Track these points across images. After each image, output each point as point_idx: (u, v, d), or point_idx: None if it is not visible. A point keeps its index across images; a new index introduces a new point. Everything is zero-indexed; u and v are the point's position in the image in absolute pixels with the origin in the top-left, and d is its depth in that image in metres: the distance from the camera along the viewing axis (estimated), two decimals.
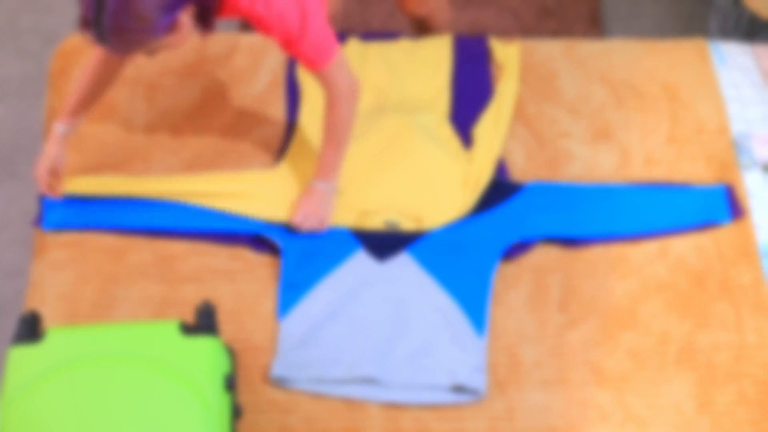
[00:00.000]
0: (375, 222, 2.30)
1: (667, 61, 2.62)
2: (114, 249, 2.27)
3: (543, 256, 2.29)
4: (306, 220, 2.24)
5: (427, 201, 2.32)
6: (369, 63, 2.57)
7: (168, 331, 1.85)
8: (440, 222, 2.30)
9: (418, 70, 2.57)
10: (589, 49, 2.65)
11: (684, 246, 2.32)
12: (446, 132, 2.44)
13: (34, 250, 2.30)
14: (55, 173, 2.27)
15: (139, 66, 2.56)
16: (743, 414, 2.09)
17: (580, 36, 3.36)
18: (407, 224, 2.30)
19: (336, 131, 2.18)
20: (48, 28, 3.37)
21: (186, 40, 1.92)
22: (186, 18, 1.87)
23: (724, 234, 2.34)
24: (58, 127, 2.25)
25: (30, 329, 1.84)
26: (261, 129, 2.47)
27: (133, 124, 2.46)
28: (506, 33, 3.37)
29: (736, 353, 2.17)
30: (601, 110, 2.53)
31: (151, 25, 1.80)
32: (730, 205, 2.36)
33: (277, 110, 2.50)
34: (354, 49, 2.59)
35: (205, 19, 1.93)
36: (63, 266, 2.24)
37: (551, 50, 2.64)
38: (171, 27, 1.84)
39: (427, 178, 2.34)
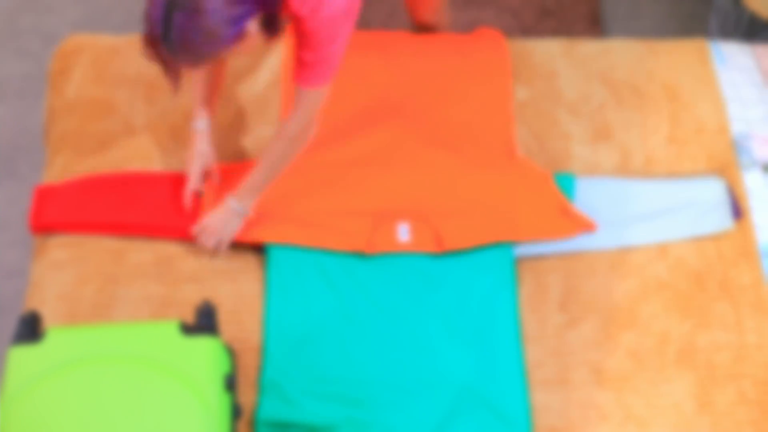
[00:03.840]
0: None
1: (667, 61, 2.62)
2: (114, 249, 2.27)
3: (543, 256, 2.29)
4: (202, 234, 2.20)
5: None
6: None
7: (168, 331, 1.85)
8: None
9: None
10: (589, 49, 2.65)
11: (684, 246, 2.32)
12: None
13: (34, 250, 2.30)
14: (206, 172, 2.28)
15: (139, 66, 2.56)
16: (743, 414, 2.09)
17: (580, 36, 3.36)
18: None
19: (275, 153, 2.12)
20: (48, 28, 3.37)
21: (253, 46, 1.90)
22: (253, 25, 1.84)
23: (724, 234, 2.34)
24: (199, 124, 2.25)
25: (30, 329, 1.84)
26: (261, 129, 2.46)
27: (133, 124, 2.46)
28: (506, 33, 3.37)
29: (736, 353, 2.17)
30: (601, 110, 2.53)
31: (219, 38, 1.78)
32: (730, 205, 2.37)
33: (277, 110, 2.50)
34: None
35: (271, 25, 1.91)
36: (63, 266, 2.24)
37: (551, 50, 2.64)
38: (238, 37, 1.81)
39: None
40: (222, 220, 2.19)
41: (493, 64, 2.52)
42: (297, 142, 2.11)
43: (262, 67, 2.58)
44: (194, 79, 2.23)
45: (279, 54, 2.61)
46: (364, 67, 2.52)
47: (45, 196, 2.31)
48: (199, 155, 2.26)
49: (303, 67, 2.03)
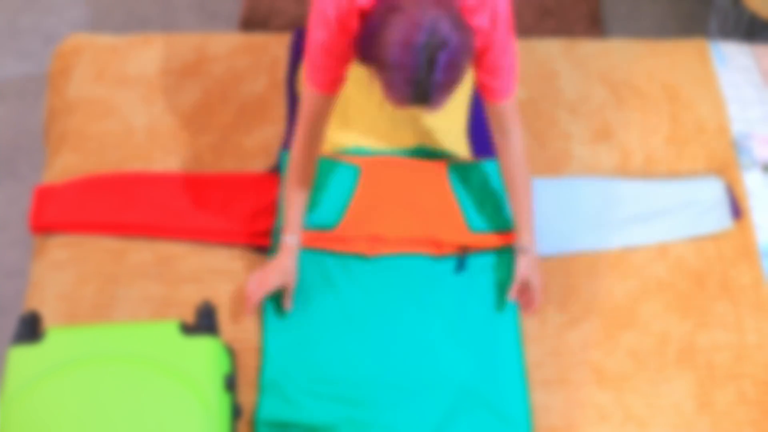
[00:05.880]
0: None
1: (667, 61, 2.62)
2: (114, 249, 2.27)
3: (543, 256, 2.29)
4: (535, 291, 2.19)
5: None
6: None
7: (168, 331, 1.85)
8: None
9: None
10: (589, 49, 2.65)
11: (684, 246, 2.32)
12: (462, 146, 2.43)
13: (34, 250, 2.30)
14: (287, 291, 2.15)
15: (139, 66, 2.56)
16: (743, 414, 2.09)
17: (580, 36, 3.36)
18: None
19: (525, 182, 2.18)
20: (48, 28, 3.37)
21: None
22: None
23: (724, 234, 2.34)
24: (291, 239, 2.13)
25: (30, 329, 1.84)
26: (261, 129, 2.46)
27: (133, 124, 2.46)
28: None
29: (736, 353, 2.17)
30: (601, 110, 2.53)
31: (467, 69, 1.79)
32: (730, 205, 2.37)
33: (277, 110, 2.50)
34: None
35: None
36: (63, 266, 2.24)
37: (551, 50, 2.64)
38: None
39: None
40: (534, 267, 2.19)
41: None
42: (524, 153, 2.16)
43: (262, 67, 2.58)
44: (289, 183, 2.13)
45: (279, 54, 2.61)
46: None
47: (45, 196, 2.31)
48: (283, 272, 2.13)
49: (492, 83, 2.03)
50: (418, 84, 1.74)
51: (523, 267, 2.18)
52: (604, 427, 2.07)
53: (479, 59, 2.00)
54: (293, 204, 2.13)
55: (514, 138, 2.13)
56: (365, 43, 1.80)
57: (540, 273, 2.21)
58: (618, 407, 2.10)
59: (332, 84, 2.00)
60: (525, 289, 2.20)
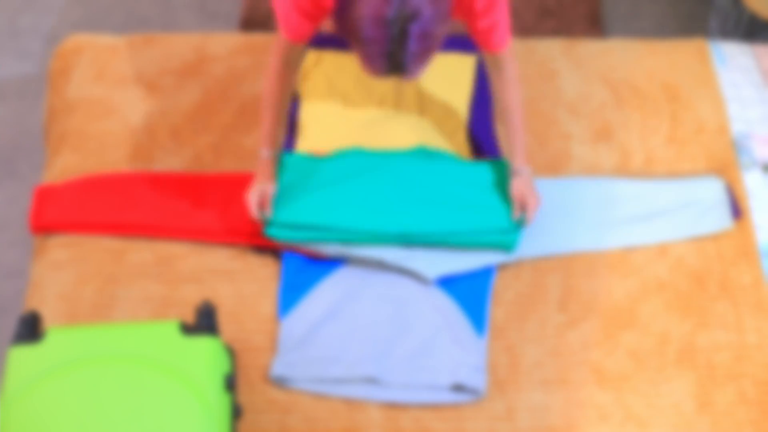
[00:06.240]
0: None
1: (667, 61, 2.62)
2: (114, 249, 2.27)
3: (543, 256, 2.29)
4: (531, 206, 2.24)
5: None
6: None
7: (168, 331, 1.85)
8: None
9: (440, 82, 2.55)
10: (589, 48, 2.65)
11: (684, 246, 2.32)
12: (460, 140, 2.44)
13: (34, 250, 2.30)
14: (266, 198, 2.23)
15: (139, 66, 2.56)
16: (743, 414, 2.09)
17: (580, 36, 3.36)
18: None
19: (516, 102, 2.24)
20: (48, 28, 3.37)
21: None
22: None
23: (724, 234, 2.34)
24: (265, 153, 2.22)
25: (30, 329, 1.84)
26: (261, 129, 2.46)
27: (133, 124, 2.46)
28: None
29: (736, 353, 2.17)
30: (601, 110, 2.53)
31: (442, 38, 1.82)
32: (730, 205, 2.37)
33: None
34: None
35: None
36: (63, 266, 2.24)
37: (551, 50, 2.64)
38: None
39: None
40: (528, 185, 2.24)
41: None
42: (518, 82, 2.21)
43: (262, 67, 2.58)
44: (263, 106, 2.21)
45: None
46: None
47: (45, 197, 2.31)
48: (260, 186, 2.22)
49: (488, 35, 2.07)
50: (392, 56, 1.77)
51: (515, 188, 2.25)
52: (604, 427, 2.07)
53: (472, 18, 2.03)
54: (267, 120, 2.20)
55: (508, 71, 2.18)
56: (339, 17, 1.83)
57: (535, 191, 2.25)
58: (618, 407, 2.10)
59: (302, 36, 2.07)
60: (521, 209, 2.27)
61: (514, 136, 2.25)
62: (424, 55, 1.79)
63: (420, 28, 1.74)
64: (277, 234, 2.22)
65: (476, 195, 2.30)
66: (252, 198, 2.21)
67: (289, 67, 2.16)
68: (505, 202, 2.29)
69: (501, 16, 2.07)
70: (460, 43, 2.61)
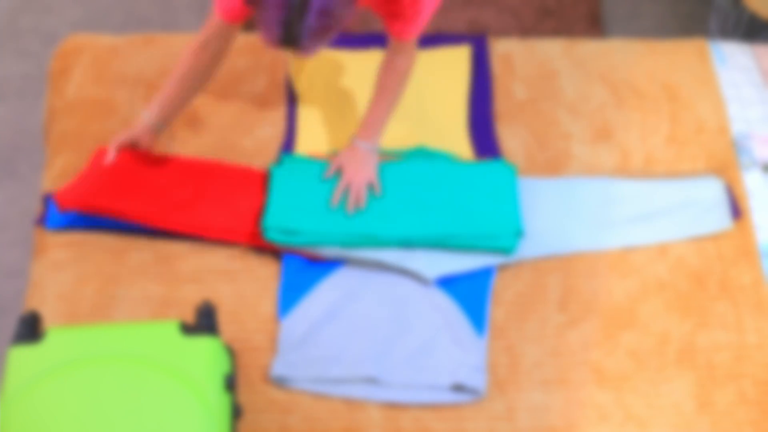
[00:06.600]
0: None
1: (667, 61, 2.62)
2: (114, 249, 2.27)
3: (543, 256, 2.29)
4: (353, 186, 2.25)
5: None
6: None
7: (168, 331, 1.85)
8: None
9: (436, 79, 2.56)
10: (589, 49, 2.65)
11: (684, 246, 2.32)
12: (461, 140, 2.44)
13: (34, 250, 2.30)
14: (134, 145, 2.29)
15: (139, 66, 2.56)
16: (743, 414, 2.09)
17: (580, 36, 3.36)
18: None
19: (390, 87, 2.22)
20: (48, 28, 3.37)
21: None
22: None
23: (724, 234, 2.34)
24: (146, 116, 2.26)
25: (30, 329, 1.84)
26: (261, 129, 2.47)
27: (133, 124, 2.46)
28: (506, 33, 3.37)
29: (736, 353, 2.17)
30: (601, 110, 2.53)
31: (344, 21, 1.83)
32: (730, 205, 2.37)
33: (277, 110, 2.50)
34: (374, 57, 2.58)
35: None
36: (63, 266, 2.24)
37: (551, 50, 2.64)
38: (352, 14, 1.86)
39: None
40: (362, 162, 2.25)
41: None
42: (407, 75, 2.21)
43: (262, 67, 2.58)
44: (167, 79, 2.24)
45: (279, 54, 2.61)
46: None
47: (62, 193, 2.28)
48: (130, 131, 2.28)
49: (398, 23, 2.09)
50: (289, 26, 1.77)
51: (339, 156, 2.29)
52: (604, 427, 2.07)
53: (388, 5, 2.05)
54: (164, 91, 2.23)
55: (401, 61, 2.19)
56: None
57: (365, 169, 2.26)
58: (618, 407, 2.10)
59: (230, 12, 2.12)
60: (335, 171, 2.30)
61: (372, 110, 2.25)
62: (321, 33, 1.80)
63: (322, 3, 1.75)
64: (277, 238, 2.22)
65: (475, 198, 2.30)
66: (120, 137, 2.26)
67: (207, 49, 2.18)
68: (505, 204, 2.28)
69: (424, 11, 2.09)
70: (450, 38, 2.62)
